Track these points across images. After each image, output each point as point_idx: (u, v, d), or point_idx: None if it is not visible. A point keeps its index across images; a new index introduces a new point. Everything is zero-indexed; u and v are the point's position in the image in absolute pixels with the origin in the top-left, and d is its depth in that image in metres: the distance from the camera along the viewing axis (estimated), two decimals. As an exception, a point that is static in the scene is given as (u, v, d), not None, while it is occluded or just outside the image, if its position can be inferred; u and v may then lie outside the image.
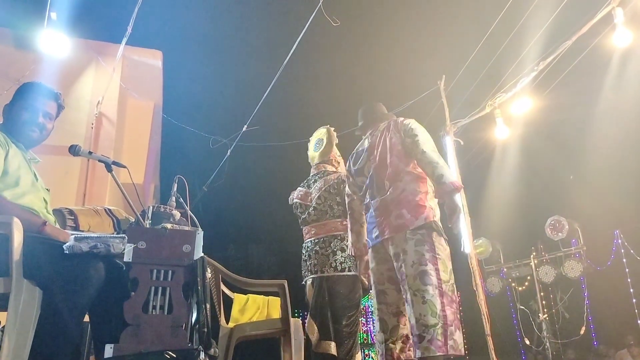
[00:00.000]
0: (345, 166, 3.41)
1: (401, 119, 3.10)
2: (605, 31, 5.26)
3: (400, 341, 2.87)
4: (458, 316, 2.75)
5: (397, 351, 2.85)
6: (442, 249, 2.78)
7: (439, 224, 2.85)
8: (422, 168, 2.88)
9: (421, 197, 2.85)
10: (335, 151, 3.95)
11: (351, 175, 3.24)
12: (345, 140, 4.23)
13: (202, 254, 2.08)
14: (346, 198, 3.28)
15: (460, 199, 2.83)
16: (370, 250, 3.06)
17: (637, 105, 7.86)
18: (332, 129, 3.98)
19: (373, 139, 3.14)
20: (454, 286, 2.78)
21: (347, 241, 3.40)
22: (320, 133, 4.00)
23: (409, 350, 2.83)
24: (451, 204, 2.73)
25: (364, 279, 3.48)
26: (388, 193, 2.93)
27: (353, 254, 3.20)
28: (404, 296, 2.78)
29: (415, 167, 2.93)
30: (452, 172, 2.78)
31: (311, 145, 4.03)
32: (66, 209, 2.61)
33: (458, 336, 2.67)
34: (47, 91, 2.36)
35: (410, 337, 2.75)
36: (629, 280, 8.67)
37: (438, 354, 2.57)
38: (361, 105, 3.39)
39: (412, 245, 2.76)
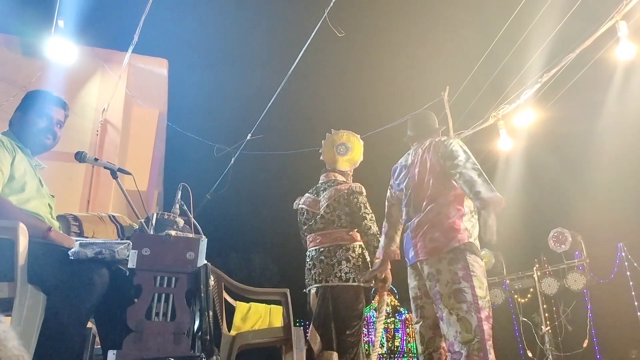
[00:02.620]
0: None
1: (443, 138, 3.11)
2: (609, 44, 5.28)
3: (437, 352, 2.92)
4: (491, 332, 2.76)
5: None
6: (477, 266, 2.80)
7: (474, 244, 2.86)
8: (461, 189, 2.85)
9: (455, 221, 2.86)
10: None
11: (392, 186, 3.30)
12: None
13: (206, 262, 2.09)
14: (386, 203, 3.31)
15: (493, 212, 2.68)
16: (408, 269, 3.12)
17: (641, 118, 7.87)
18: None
19: (415, 156, 3.16)
20: (490, 303, 2.79)
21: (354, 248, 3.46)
22: (345, 138, 3.91)
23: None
24: (486, 218, 2.66)
25: (367, 285, 3.49)
26: (423, 214, 2.96)
27: (380, 257, 3.24)
28: (438, 314, 2.81)
29: (454, 188, 2.94)
30: (491, 187, 2.75)
31: (330, 146, 3.90)
32: (70, 215, 2.63)
33: (493, 353, 2.67)
34: (57, 100, 2.41)
35: (449, 355, 2.76)
36: (632, 293, 8.60)
37: None
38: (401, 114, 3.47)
39: (445, 265, 2.80)
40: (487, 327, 2.66)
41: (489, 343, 2.63)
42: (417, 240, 2.96)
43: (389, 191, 3.36)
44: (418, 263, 2.98)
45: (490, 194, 2.70)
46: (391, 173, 3.36)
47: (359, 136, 3.95)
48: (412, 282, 3.07)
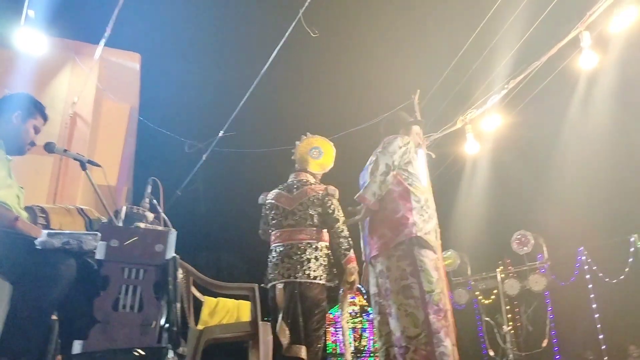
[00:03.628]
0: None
1: (392, 136, 3.24)
2: (573, 54, 5.47)
3: (394, 347, 2.93)
4: (449, 323, 2.82)
5: (391, 357, 2.94)
6: (427, 260, 2.87)
7: (423, 237, 2.93)
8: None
9: (405, 214, 2.95)
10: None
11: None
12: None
13: (175, 254, 2.11)
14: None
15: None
16: (368, 266, 3.22)
17: (602, 126, 8.13)
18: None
19: (371, 158, 3.28)
20: (442, 295, 2.85)
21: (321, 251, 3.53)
22: (319, 142, 3.99)
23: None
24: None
25: (331, 284, 3.59)
26: (375, 212, 3.06)
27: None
28: (387, 311, 2.89)
29: (400, 184, 3.04)
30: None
31: (305, 148, 3.97)
32: (37, 206, 2.61)
33: (449, 342, 2.72)
34: (42, 110, 2.48)
35: (396, 349, 2.82)
36: (591, 296, 8.85)
37: None
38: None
39: (394, 262, 2.89)
40: (435, 320, 2.72)
41: (438, 336, 2.68)
42: (370, 237, 3.08)
43: None
44: (372, 259, 3.07)
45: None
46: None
47: (332, 144, 4.04)
48: (371, 279, 3.16)
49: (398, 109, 7.03)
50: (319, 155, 3.95)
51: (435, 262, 2.94)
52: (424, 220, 2.98)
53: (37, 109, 2.43)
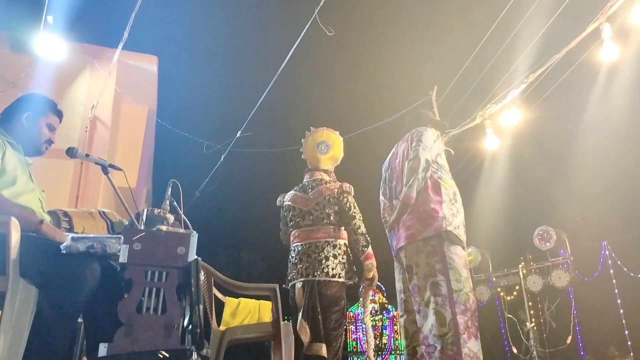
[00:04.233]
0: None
1: (420, 128, 3.17)
2: (594, 46, 5.37)
3: (421, 346, 2.89)
4: (475, 324, 2.76)
5: (419, 356, 2.91)
6: (456, 257, 2.81)
7: (453, 232, 2.87)
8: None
9: (434, 207, 2.88)
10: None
11: (383, 181, 3.36)
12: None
13: (196, 256, 2.12)
14: (381, 204, 3.39)
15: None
16: (395, 262, 3.17)
17: (623, 119, 7.99)
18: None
19: (397, 148, 3.24)
20: (470, 295, 2.80)
21: (337, 249, 3.51)
22: (325, 136, 3.95)
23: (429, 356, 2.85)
24: None
25: (350, 282, 3.58)
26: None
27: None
28: (415, 307, 2.85)
29: (431, 175, 2.98)
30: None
31: (311, 145, 3.95)
32: (61, 210, 2.64)
33: (473, 344, 2.68)
34: (56, 109, 2.47)
35: (424, 347, 2.78)
36: (616, 291, 8.73)
37: None
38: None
39: (423, 258, 2.83)
40: (462, 320, 2.67)
41: (464, 337, 2.64)
42: (397, 228, 3.01)
43: (382, 187, 3.41)
44: (399, 251, 3.01)
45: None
46: (382, 170, 3.42)
47: (337, 132, 3.99)
48: (397, 275, 3.13)
49: (416, 106, 7.00)
50: (327, 149, 3.92)
51: (464, 259, 2.88)
52: (453, 214, 2.91)
53: (48, 107, 2.43)
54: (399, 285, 3.11)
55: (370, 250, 3.57)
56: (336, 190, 3.69)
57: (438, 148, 3.09)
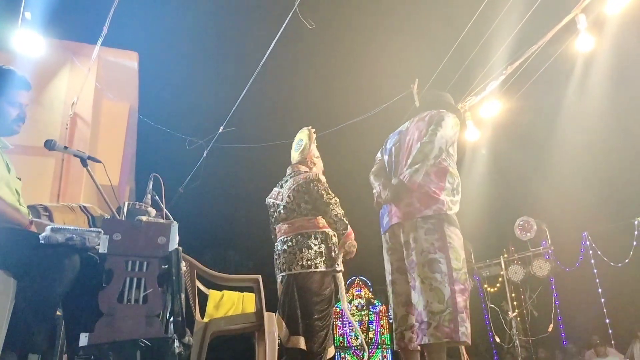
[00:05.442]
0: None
1: (442, 111, 3.08)
2: (571, 38, 5.46)
3: (409, 330, 2.87)
4: (468, 305, 2.74)
5: (406, 340, 2.86)
6: (455, 238, 2.79)
7: (453, 217, 2.84)
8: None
9: (435, 190, 2.83)
10: (314, 151, 3.99)
11: (381, 152, 3.30)
12: (323, 141, 4.30)
13: (177, 246, 2.13)
14: (375, 163, 3.34)
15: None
16: (383, 240, 3.08)
17: (601, 108, 8.12)
18: (313, 130, 4.04)
19: (411, 124, 3.16)
20: (467, 275, 2.79)
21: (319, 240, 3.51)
22: (302, 134, 4.06)
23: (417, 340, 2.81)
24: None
25: (332, 270, 3.59)
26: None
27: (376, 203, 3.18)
28: (411, 284, 2.78)
29: (440, 162, 2.91)
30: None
31: (293, 146, 4.10)
32: (41, 205, 2.62)
33: (469, 325, 2.66)
34: (25, 83, 2.34)
35: (417, 324, 2.74)
36: (597, 280, 8.87)
37: (444, 340, 2.57)
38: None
39: (422, 234, 2.76)
40: (460, 299, 2.65)
41: (462, 315, 2.62)
42: (394, 205, 2.93)
43: (379, 154, 3.35)
44: (394, 227, 2.93)
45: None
46: (386, 143, 3.34)
47: (309, 127, 4.06)
48: (386, 256, 3.05)
49: (397, 99, 7.05)
50: (301, 145, 3.99)
51: (462, 242, 2.85)
52: (453, 203, 2.87)
53: (7, 83, 2.26)
54: (387, 266, 3.03)
55: (349, 229, 3.60)
56: (302, 180, 3.70)
57: (454, 137, 3.03)
